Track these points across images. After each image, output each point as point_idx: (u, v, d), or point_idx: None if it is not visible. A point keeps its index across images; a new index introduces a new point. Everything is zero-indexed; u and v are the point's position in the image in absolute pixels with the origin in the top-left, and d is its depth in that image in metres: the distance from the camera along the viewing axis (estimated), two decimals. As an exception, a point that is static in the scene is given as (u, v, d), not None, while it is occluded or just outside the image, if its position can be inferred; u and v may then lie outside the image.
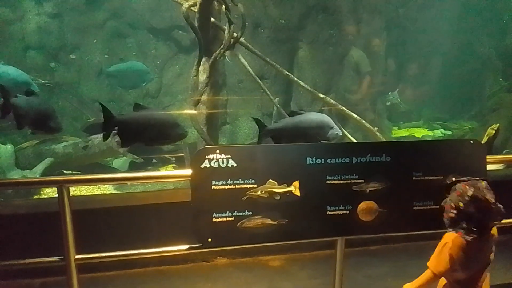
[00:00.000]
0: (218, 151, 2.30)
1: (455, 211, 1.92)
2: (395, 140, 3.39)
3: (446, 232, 1.98)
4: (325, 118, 3.02)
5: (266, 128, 2.91)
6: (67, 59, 6.33)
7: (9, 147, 4.98)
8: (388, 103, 8.06)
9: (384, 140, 3.19)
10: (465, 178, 1.98)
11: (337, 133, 2.99)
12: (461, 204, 1.90)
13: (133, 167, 5.80)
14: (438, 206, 2.49)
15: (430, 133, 8.40)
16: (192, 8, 4.31)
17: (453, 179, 1.98)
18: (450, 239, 1.92)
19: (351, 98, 6.90)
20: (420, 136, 8.03)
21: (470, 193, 1.88)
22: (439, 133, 8.42)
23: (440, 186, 2.47)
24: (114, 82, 5.79)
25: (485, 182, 1.93)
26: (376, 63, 7.48)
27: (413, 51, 8.56)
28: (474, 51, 8.76)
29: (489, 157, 2.64)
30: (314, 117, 3.03)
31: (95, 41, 6.48)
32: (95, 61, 6.53)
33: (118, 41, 6.67)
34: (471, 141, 2.62)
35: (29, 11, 6.18)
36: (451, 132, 8.20)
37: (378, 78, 7.52)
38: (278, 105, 5.54)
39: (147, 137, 2.74)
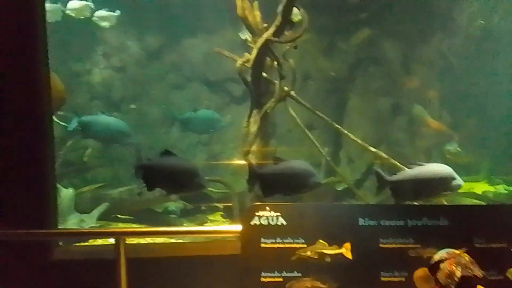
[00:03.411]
0: (268, 208, 2.32)
1: None
2: (454, 204, 3.26)
3: None
4: (447, 168, 2.99)
5: (386, 180, 2.88)
6: (128, 109, 6.79)
7: (71, 191, 5.29)
8: (448, 155, 7.72)
9: (442, 204, 3.09)
10: (444, 253, 1.86)
11: (459, 184, 2.94)
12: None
13: (184, 212, 5.92)
14: (502, 277, 2.32)
15: (491, 188, 7.88)
16: (246, 64, 4.51)
17: (437, 258, 1.86)
18: None
19: (403, 152, 6.72)
20: (480, 192, 7.55)
21: (459, 274, 1.78)
22: (501, 188, 7.88)
23: (504, 254, 2.31)
24: (186, 128, 6.05)
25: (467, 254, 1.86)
26: (430, 115, 7.31)
27: (469, 102, 8.28)
28: (537, 101, 8.33)
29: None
30: (435, 168, 3.00)
31: (153, 92, 6.93)
32: (153, 111, 6.93)
33: (175, 92, 7.07)
34: (539, 206, 2.45)
35: (97, 64, 6.78)
36: (515, 188, 7.66)
37: (432, 130, 7.31)
38: (328, 158, 5.51)
39: (288, 187, 2.87)
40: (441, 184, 2.89)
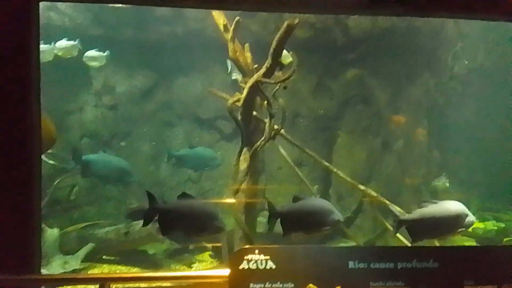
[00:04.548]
0: (257, 252, 2.29)
1: None
2: (443, 246, 3.27)
3: None
4: (460, 205, 3.03)
5: (400, 219, 2.91)
6: (118, 146, 6.78)
7: (55, 231, 5.17)
8: (436, 191, 7.74)
9: (432, 246, 3.10)
10: None
11: (472, 220, 2.99)
12: None
13: (171, 252, 5.80)
14: (495, 321, 2.28)
15: (481, 225, 7.87)
16: (236, 103, 4.59)
17: None
18: None
19: (393, 189, 6.76)
20: (470, 229, 7.55)
21: None
22: (490, 225, 7.87)
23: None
24: (182, 165, 6.06)
25: None
26: (418, 152, 7.40)
27: (456, 139, 8.43)
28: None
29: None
30: (448, 206, 3.04)
31: (144, 130, 6.95)
32: (143, 148, 6.95)
33: (166, 130, 7.11)
34: (527, 247, 2.46)
35: (89, 103, 6.83)
36: (504, 225, 7.65)
37: (421, 167, 7.39)
38: (317, 195, 5.50)
39: (308, 225, 2.95)
40: (456, 221, 2.94)
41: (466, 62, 8.22)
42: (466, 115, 8.46)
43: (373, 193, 4.86)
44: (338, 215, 2.96)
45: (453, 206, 2.99)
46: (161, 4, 2.71)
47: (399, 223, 2.91)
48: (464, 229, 2.91)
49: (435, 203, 2.97)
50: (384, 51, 6.98)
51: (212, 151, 6.29)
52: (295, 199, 2.96)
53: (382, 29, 6.88)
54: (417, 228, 2.88)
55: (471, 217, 2.94)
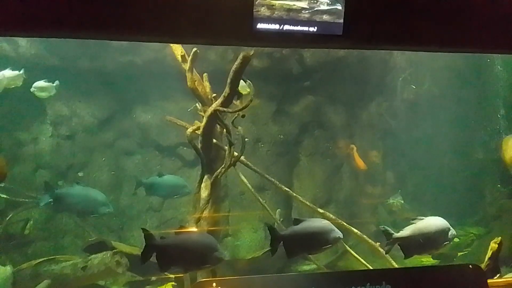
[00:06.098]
0: (214, 284, 2.31)
1: None
2: (394, 268, 3.42)
3: None
4: (443, 221, 3.20)
5: (393, 236, 3.04)
6: (75, 177, 6.57)
7: (8, 268, 4.91)
8: (392, 208, 8.02)
9: (383, 268, 3.24)
10: None
11: (455, 234, 3.20)
12: None
13: (133, 285, 5.63)
14: (444, 338, 2.40)
15: (436, 240, 8.19)
16: (196, 131, 4.64)
17: None
18: None
19: (350, 210, 6.97)
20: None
21: None
22: (445, 240, 8.23)
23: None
24: (151, 192, 5.97)
25: None
26: (373, 173, 7.70)
27: (409, 159, 8.83)
28: (470, 157, 9.00)
29: (490, 281, 2.62)
30: (434, 221, 3.20)
31: (103, 159, 6.81)
32: (101, 178, 6.79)
33: (125, 159, 7.00)
34: (470, 266, 2.63)
35: (43, 133, 6.63)
36: (458, 240, 8.01)
37: (377, 188, 7.67)
38: (279, 221, 5.58)
39: (310, 246, 3.02)
40: (442, 236, 3.14)
41: (414, 87, 8.72)
42: (417, 136, 8.91)
43: (332, 216, 5.00)
44: (338, 233, 3.04)
45: (437, 222, 3.18)
46: (115, 38, 2.74)
47: (394, 241, 3.05)
48: (448, 242, 3.10)
49: (422, 219, 3.15)
50: (338, 78, 7.30)
51: (182, 179, 6.27)
52: (296, 221, 3.02)
53: (335, 58, 7.23)
54: (409, 244, 3.02)
55: (453, 231, 3.15)
